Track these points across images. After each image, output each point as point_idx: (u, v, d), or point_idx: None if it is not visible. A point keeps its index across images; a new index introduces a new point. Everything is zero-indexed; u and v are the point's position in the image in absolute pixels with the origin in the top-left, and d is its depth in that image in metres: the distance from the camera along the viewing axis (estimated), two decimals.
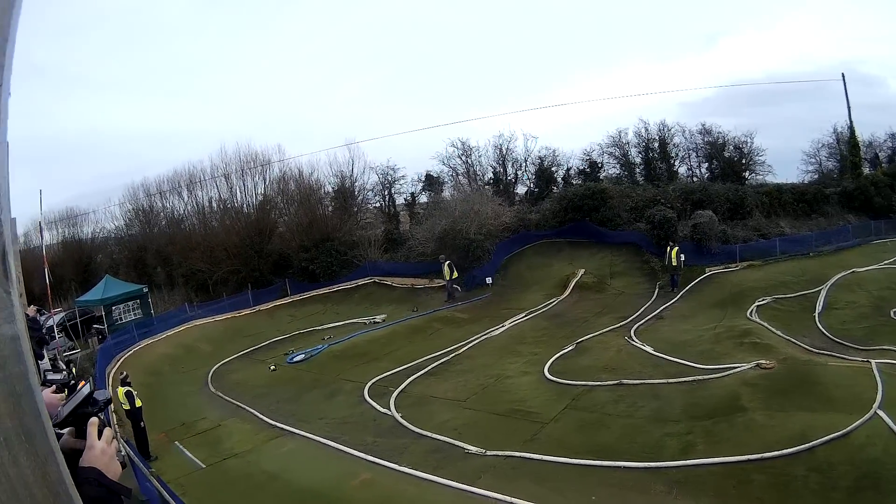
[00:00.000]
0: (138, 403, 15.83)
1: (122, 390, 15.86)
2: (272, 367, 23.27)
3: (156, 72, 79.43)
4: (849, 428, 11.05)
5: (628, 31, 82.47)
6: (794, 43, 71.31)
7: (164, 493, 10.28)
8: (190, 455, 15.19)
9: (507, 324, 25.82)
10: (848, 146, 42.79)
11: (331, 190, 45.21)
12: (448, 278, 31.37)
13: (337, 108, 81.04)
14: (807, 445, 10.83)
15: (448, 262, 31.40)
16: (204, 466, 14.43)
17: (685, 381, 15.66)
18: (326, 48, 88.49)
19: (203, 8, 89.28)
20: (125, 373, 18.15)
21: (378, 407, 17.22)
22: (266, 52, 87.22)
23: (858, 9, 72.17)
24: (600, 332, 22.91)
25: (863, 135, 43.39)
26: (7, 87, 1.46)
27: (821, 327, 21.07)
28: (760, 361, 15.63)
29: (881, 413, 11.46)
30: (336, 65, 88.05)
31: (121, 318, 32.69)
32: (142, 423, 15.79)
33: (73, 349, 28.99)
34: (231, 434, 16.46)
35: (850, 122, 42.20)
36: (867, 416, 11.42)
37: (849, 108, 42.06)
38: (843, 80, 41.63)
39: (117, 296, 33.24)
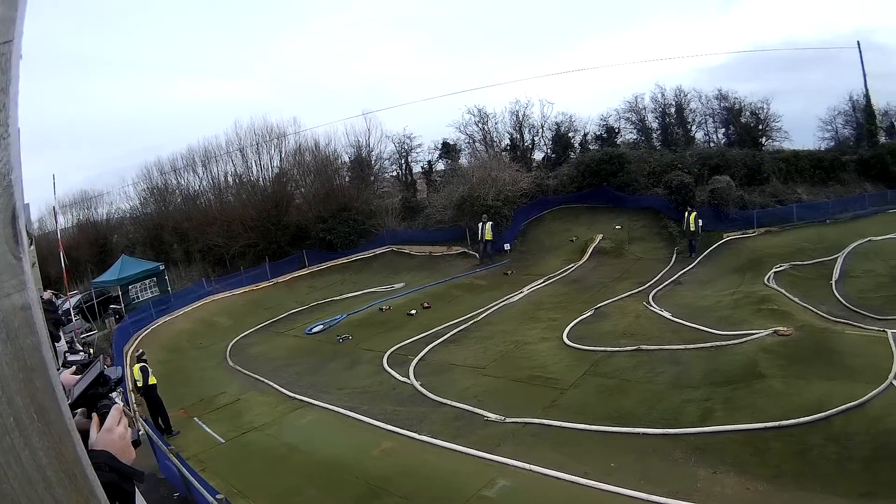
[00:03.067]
0: (152, 380, 15.88)
1: (136, 367, 15.91)
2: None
3: (168, 49, 78.86)
4: (865, 398, 11.04)
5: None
6: (810, 8, 70.36)
7: (184, 471, 10.22)
8: (209, 430, 15.25)
9: (526, 290, 25.96)
10: (864, 114, 42.38)
11: (347, 160, 45.16)
12: (489, 238, 31.46)
13: (354, 80, 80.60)
14: (824, 414, 10.81)
15: (490, 222, 31.52)
16: (224, 441, 14.48)
17: (704, 347, 15.68)
18: (346, 20, 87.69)
19: None
20: (141, 350, 18.38)
21: (397, 376, 17.32)
22: (282, 25, 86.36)
23: None
24: (619, 297, 23.01)
25: (879, 103, 42.86)
26: (17, 73, 1.43)
27: (838, 295, 20.97)
28: (778, 328, 15.63)
29: None
30: (354, 36, 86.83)
31: (138, 297, 32.96)
32: (159, 399, 15.86)
33: (91, 330, 28.99)
34: (251, 407, 16.52)
35: (866, 89, 41.85)
36: (883, 385, 11.42)
37: (864, 76, 41.75)
38: (859, 47, 41.36)
39: (134, 275, 33.44)
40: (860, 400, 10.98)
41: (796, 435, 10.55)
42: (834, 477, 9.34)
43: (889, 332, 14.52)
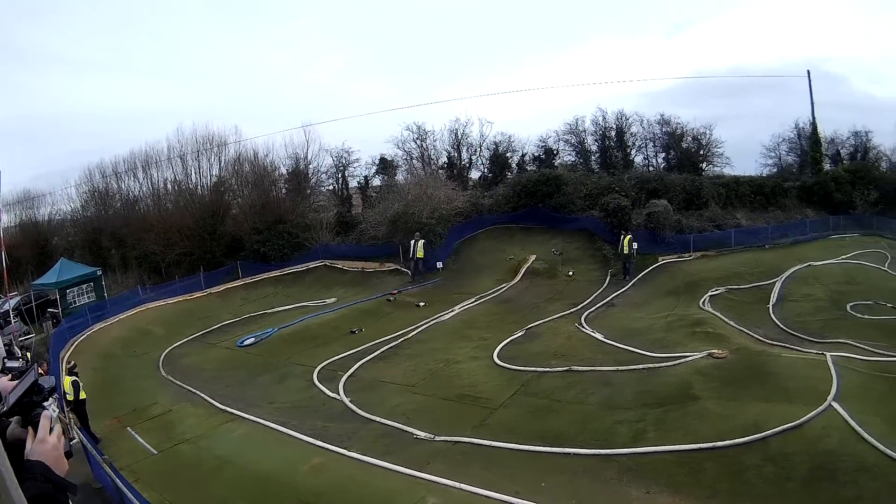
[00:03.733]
0: (82, 395, 15.55)
1: (68, 380, 15.54)
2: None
3: (119, 50, 77.93)
4: (803, 419, 11.19)
5: (592, 18, 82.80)
6: (761, 38, 72.32)
7: (118, 482, 10.01)
8: (142, 441, 14.94)
9: (458, 308, 25.97)
10: (809, 142, 43.64)
11: (285, 172, 44.96)
12: (420, 255, 31.41)
13: (297, 92, 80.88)
14: (760, 435, 10.93)
15: (423, 240, 31.48)
16: (156, 452, 14.21)
17: (636, 369, 15.80)
18: (293, 33, 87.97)
19: None
20: (73, 362, 17.88)
21: (328, 391, 17.22)
22: (230, 34, 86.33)
23: (824, 7, 73.36)
24: (551, 318, 23.23)
25: (825, 131, 44.43)
26: None
27: (775, 319, 21.45)
28: (713, 351, 15.81)
29: (836, 405, 11.59)
30: (300, 49, 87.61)
31: (75, 302, 32.16)
32: (86, 415, 15.54)
33: (29, 334, 28.27)
34: (183, 419, 16.25)
35: (813, 117, 43.20)
36: (822, 407, 11.57)
37: (812, 104, 43.02)
38: (809, 76, 42.65)
39: (72, 279, 32.64)
40: (798, 421, 11.12)
41: (731, 455, 10.65)
42: (772, 497, 9.46)
43: (828, 354, 14.78)
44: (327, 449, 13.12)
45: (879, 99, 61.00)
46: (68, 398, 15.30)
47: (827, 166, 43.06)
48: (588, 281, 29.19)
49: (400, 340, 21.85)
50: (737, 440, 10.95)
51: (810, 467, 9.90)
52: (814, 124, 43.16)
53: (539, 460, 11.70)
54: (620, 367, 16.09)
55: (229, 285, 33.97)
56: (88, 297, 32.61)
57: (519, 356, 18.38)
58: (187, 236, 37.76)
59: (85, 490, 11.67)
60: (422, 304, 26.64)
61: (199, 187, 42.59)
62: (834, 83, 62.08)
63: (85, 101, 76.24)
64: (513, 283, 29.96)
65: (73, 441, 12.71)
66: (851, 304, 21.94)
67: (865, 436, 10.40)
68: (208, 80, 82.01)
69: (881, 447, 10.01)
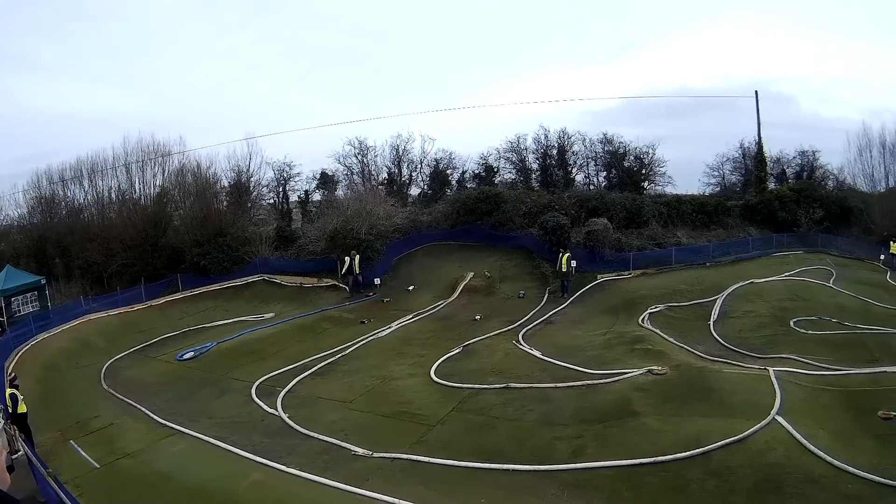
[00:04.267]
0: (21, 409, 15.07)
1: (8, 391, 15.10)
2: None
3: (77, 54, 76.75)
4: (746, 433, 11.30)
5: (538, 40, 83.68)
6: (707, 59, 73.82)
7: (62, 495, 9.76)
8: (85, 454, 14.61)
9: (395, 325, 25.93)
10: (754, 161, 44.63)
11: (227, 184, 44.78)
12: (357, 271, 31.68)
13: (240, 103, 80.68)
14: (703, 449, 11.04)
15: (358, 256, 31.67)
16: (98, 466, 13.89)
17: (575, 386, 15.93)
18: (239, 43, 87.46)
19: None
20: (14, 374, 17.51)
21: (266, 407, 17.06)
22: (176, 42, 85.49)
23: (773, 30, 75.17)
24: (488, 335, 23.31)
25: (771, 151, 45.58)
26: None
27: (716, 335, 21.61)
28: (652, 367, 15.95)
29: (780, 419, 11.73)
30: (246, 61, 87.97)
31: (20, 311, 31.52)
32: (28, 428, 15.02)
33: None
34: (124, 433, 15.94)
35: (759, 137, 44.10)
36: (765, 421, 11.70)
37: (759, 123, 43.90)
38: (756, 96, 43.46)
39: (16, 287, 31.94)
40: (741, 435, 11.23)
41: (673, 470, 10.71)
42: None
43: (771, 369, 15.01)
44: (267, 465, 12.99)
45: (828, 119, 63.89)
46: (9, 410, 14.86)
47: (772, 185, 44.02)
48: (526, 299, 29.37)
49: (337, 357, 21.77)
50: (679, 454, 11.02)
51: (755, 480, 9.96)
52: (759, 143, 44.07)
53: (478, 477, 11.67)
54: (559, 384, 16.19)
55: (169, 298, 33.61)
56: (33, 307, 31.96)
57: (456, 373, 18.46)
58: (129, 247, 37.30)
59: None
60: (368, 320, 26.44)
61: (142, 197, 42.07)
62: (783, 103, 64.04)
63: (31, 104, 74.48)
64: (450, 300, 29.98)
65: (19, 454, 12.41)
66: (794, 320, 22.11)
67: (812, 448, 10.54)
68: (155, 86, 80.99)
69: (829, 458, 10.17)
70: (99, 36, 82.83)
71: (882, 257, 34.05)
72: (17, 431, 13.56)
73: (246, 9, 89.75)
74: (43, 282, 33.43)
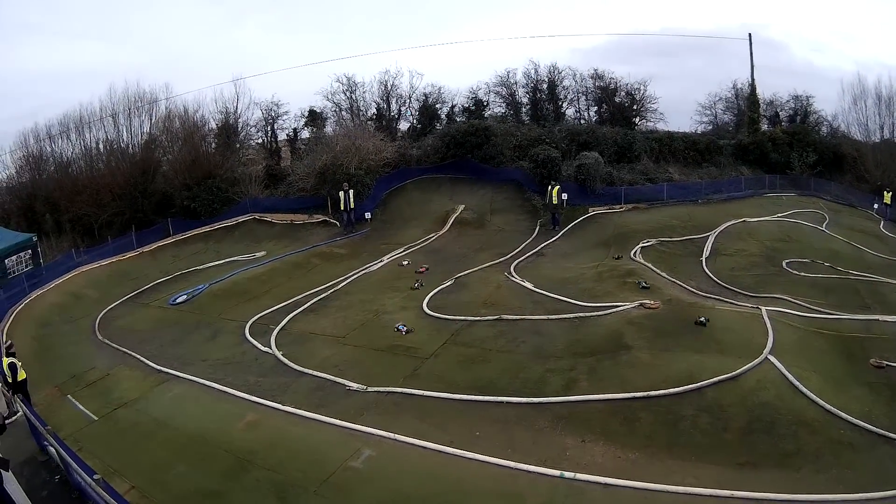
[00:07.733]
0: (21, 376, 14.95)
1: (6, 361, 14.98)
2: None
3: (60, 9, 74.83)
4: (738, 371, 11.43)
5: None
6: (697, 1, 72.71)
7: (62, 452, 9.83)
8: (82, 408, 14.64)
9: (386, 259, 25.90)
10: (747, 102, 43.87)
11: (215, 127, 43.92)
12: (352, 206, 31.47)
13: (228, 49, 78.69)
14: (695, 385, 11.17)
15: (352, 191, 31.42)
16: (96, 419, 13.93)
17: (567, 318, 16.01)
18: None
19: None
20: (10, 342, 17.40)
21: (259, 346, 17.08)
22: None
23: None
24: (480, 267, 23.31)
25: (764, 94, 44.54)
26: None
27: (708, 272, 21.58)
28: (644, 301, 16.05)
29: (772, 358, 11.83)
30: (232, 7, 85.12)
31: (15, 271, 31.00)
32: (27, 394, 14.96)
33: None
34: (119, 382, 15.94)
35: (752, 79, 43.34)
36: (758, 360, 11.82)
37: (752, 65, 43.24)
38: (750, 39, 42.88)
39: (8, 247, 31.35)
40: (734, 373, 11.37)
41: (666, 405, 10.89)
42: (708, 447, 9.70)
43: (763, 308, 15.09)
44: (261, 404, 13.10)
45: (820, 67, 62.35)
46: (8, 380, 14.84)
47: (764, 127, 43.44)
48: (517, 231, 29.30)
49: (329, 293, 21.72)
50: (671, 390, 11.15)
51: (747, 419, 10.13)
52: (752, 85, 43.35)
53: (472, 410, 11.84)
54: (551, 317, 16.30)
55: (160, 243, 33.41)
56: (27, 265, 31.50)
57: (448, 306, 18.49)
58: (119, 196, 37.01)
59: (32, 464, 11.55)
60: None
61: (130, 146, 41.47)
62: (774, 49, 62.72)
63: (18, 63, 72.97)
64: (441, 233, 29.88)
65: (17, 415, 12.75)
66: (787, 261, 22.12)
67: (804, 390, 10.66)
68: (140, 39, 79.01)
69: (821, 402, 10.29)
70: None
71: (876, 206, 34.19)
72: (13, 394, 13.64)
73: None
74: (35, 239, 33.04)
